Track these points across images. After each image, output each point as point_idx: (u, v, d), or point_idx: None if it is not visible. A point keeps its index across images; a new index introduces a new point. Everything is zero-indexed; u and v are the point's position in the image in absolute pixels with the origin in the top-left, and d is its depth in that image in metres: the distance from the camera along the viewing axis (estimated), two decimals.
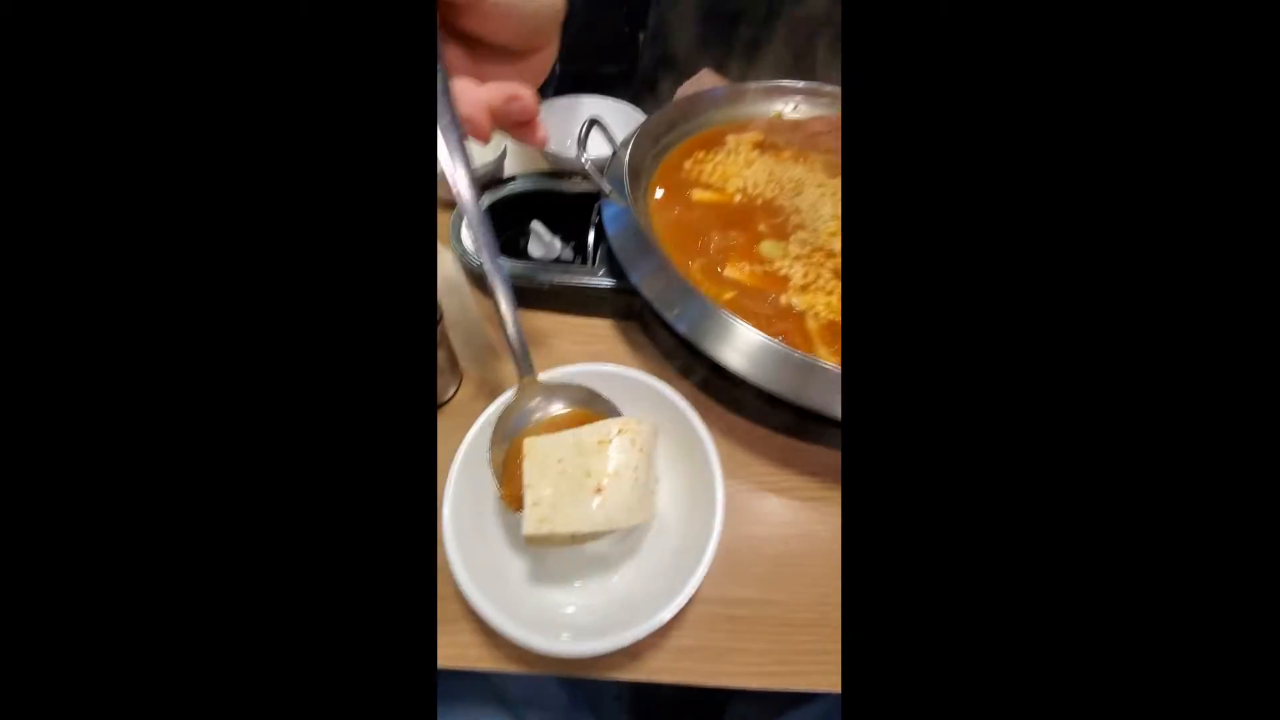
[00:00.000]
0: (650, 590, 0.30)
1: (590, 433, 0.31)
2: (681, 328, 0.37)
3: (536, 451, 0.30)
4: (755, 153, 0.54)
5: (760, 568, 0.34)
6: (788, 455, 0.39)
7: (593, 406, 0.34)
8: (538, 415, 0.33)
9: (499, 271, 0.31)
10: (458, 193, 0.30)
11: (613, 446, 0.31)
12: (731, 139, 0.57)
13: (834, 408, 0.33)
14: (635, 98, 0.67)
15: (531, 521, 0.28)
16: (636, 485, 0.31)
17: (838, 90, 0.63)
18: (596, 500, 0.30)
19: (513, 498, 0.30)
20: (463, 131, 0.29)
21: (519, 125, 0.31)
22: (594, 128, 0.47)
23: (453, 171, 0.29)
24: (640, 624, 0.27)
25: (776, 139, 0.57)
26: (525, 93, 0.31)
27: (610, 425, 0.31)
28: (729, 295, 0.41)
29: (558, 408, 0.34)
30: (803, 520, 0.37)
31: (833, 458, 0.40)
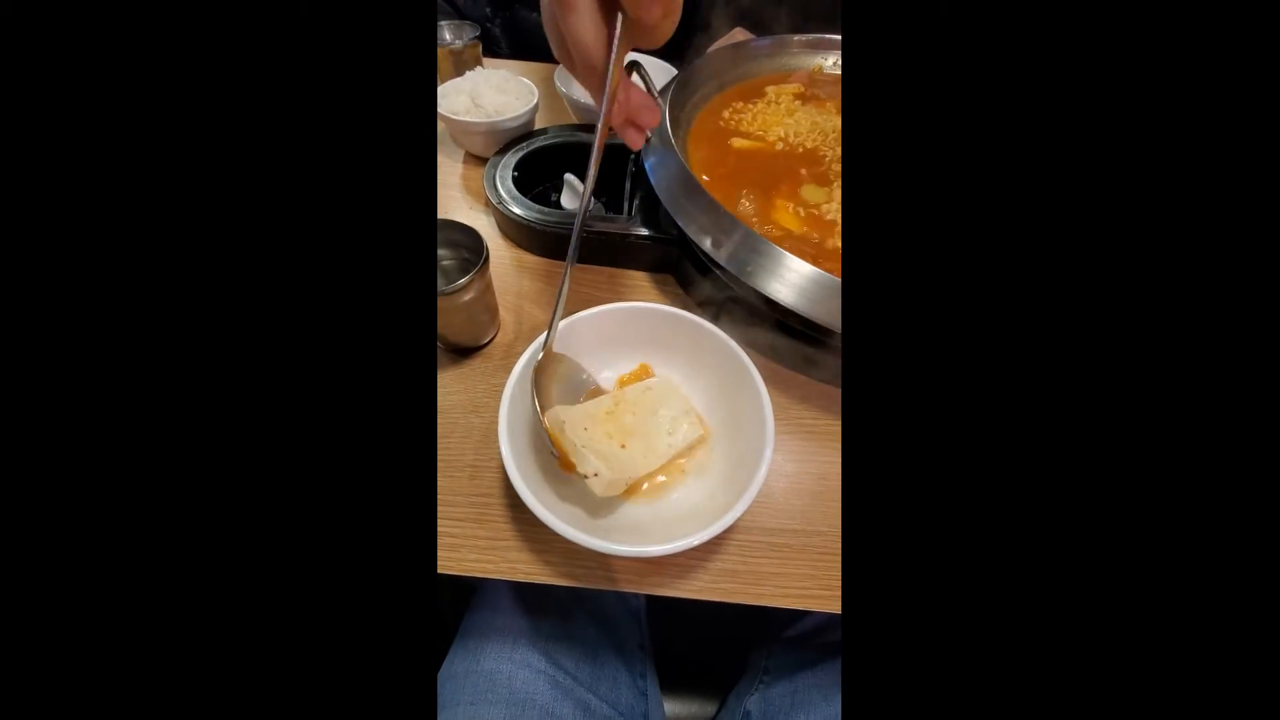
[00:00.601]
0: (699, 513, 0.30)
1: (599, 402, 0.34)
2: (730, 265, 0.37)
3: (565, 429, 0.32)
4: (797, 103, 0.53)
5: (800, 501, 0.35)
6: (824, 400, 0.40)
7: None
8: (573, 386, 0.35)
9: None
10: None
11: (628, 400, 0.34)
12: (772, 90, 0.56)
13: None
14: (666, 58, 0.66)
15: (600, 487, 0.30)
16: (669, 418, 0.34)
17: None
18: (639, 448, 0.32)
19: (566, 465, 0.32)
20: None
21: (633, 125, 0.31)
22: (636, 71, 0.46)
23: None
24: (684, 539, 0.28)
25: (818, 91, 0.56)
26: (658, 111, 0.31)
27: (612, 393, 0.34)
28: (775, 234, 0.41)
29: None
30: (838, 460, 0.37)
31: None
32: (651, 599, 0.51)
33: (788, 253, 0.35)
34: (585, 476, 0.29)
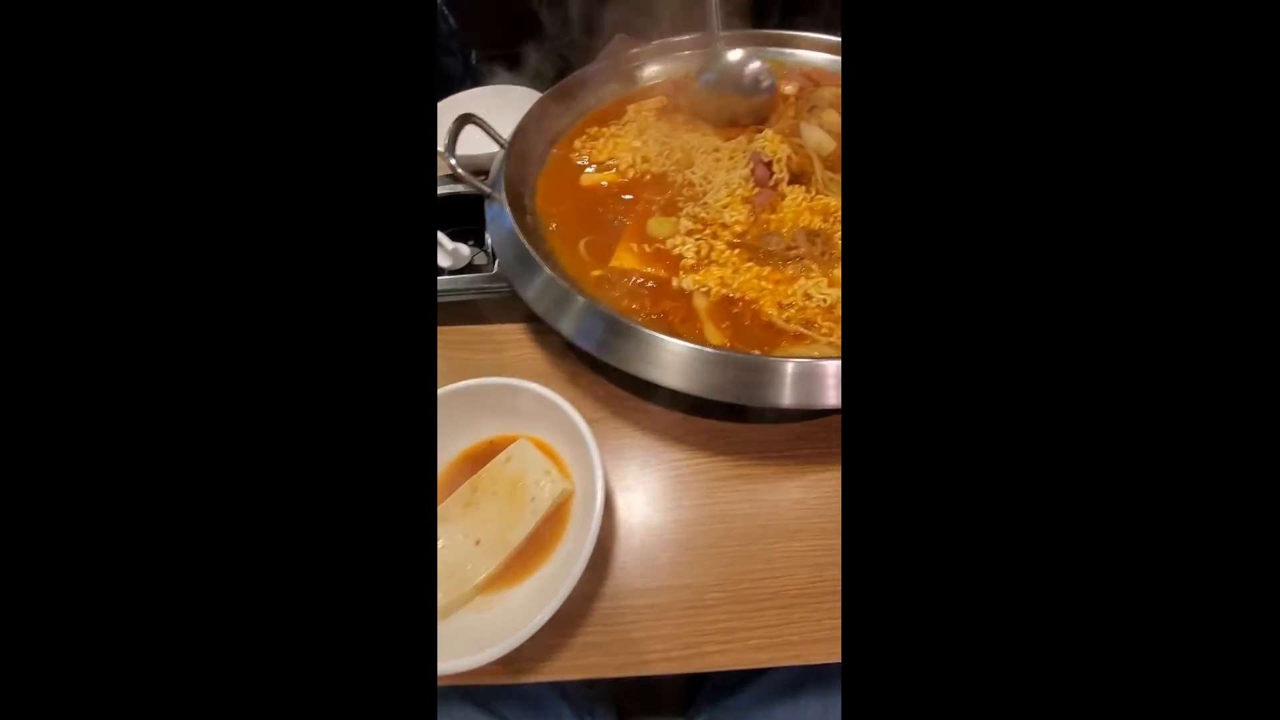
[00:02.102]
0: (548, 594, 0.30)
1: (458, 495, 0.34)
2: (572, 337, 0.35)
3: None
4: (652, 121, 0.51)
5: (671, 553, 0.34)
6: (702, 437, 0.38)
7: None
8: None
9: None
10: None
11: (486, 481, 0.34)
12: (632, 109, 0.53)
13: (723, 392, 0.32)
14: (556, 74, 0.64)
15: (443, 616, 0.30)
16: (532, 483, 0.33)
17: (777, 32, 0.58)
18: (498, 528, 0.32)
19: None
20: None
21: None
22: (468, 125, 0.44)
23: None
24: (519, 632, 0.27)
25: (681, 100, 0.53)
26: None
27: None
28: (620, 281, 0.39)
29: None
30: (716, 500, 0.36)
31: (749, 433, 0.39)
32: None
33: (627, 320, 0.34)
34: None
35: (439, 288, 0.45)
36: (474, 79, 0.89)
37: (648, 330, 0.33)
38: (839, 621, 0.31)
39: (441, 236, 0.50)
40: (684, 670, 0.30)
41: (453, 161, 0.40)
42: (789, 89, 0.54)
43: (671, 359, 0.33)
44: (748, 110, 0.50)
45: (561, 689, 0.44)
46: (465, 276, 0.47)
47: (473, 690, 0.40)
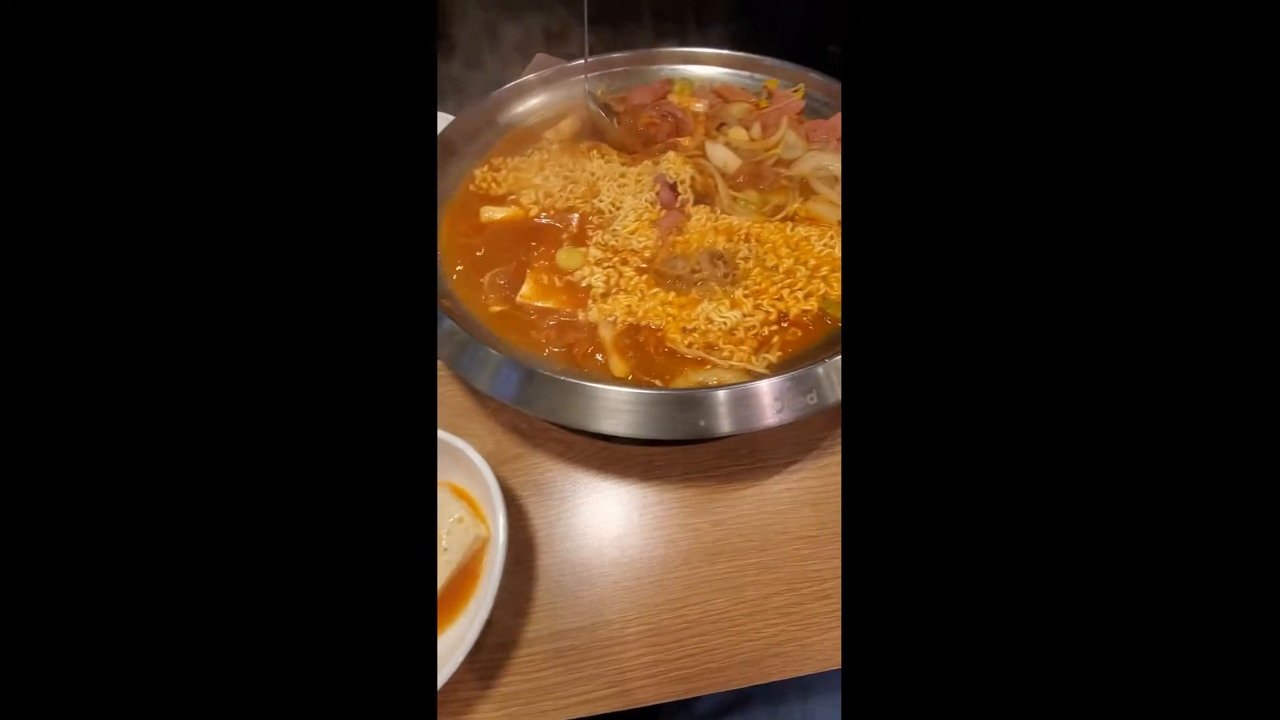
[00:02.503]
0: (455, 654, 0.29)
1: None
2: (489, 390, 0.34)
3: None
4: (555, 153, 0.50)
5: (593, 590, 0.34)
6: (624, 465, 0.38)
7: None
8: None
9: None
10: None
11: None
12: (549, 134, 0.53)
13: (630, 428, 0.32)
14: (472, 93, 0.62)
15: None
16: (444, 532, 0.32)
17: (677, 49, 0.59)
18: None
19: None
20: None
21: None
22: None
23: None
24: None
25: (596, 122, 0.52)
26: None
27: None
28: (525, 316, 0.39)
29: None
30: (638, 529, 0.36)
31: (673, 454, 0.39)
32: None
33: (527, 363, 0.34)
34: None
35: None
36: None
37: (561, 377, 0.33)
38: (756, 643, 0.32)
39: None
40: (606, 711, 0.30)
41: None
42: (699, 107, 0.55)
43: (606, 405, 0.32)
44: (629, 133, 0.51)
45: None
46: None
47: None
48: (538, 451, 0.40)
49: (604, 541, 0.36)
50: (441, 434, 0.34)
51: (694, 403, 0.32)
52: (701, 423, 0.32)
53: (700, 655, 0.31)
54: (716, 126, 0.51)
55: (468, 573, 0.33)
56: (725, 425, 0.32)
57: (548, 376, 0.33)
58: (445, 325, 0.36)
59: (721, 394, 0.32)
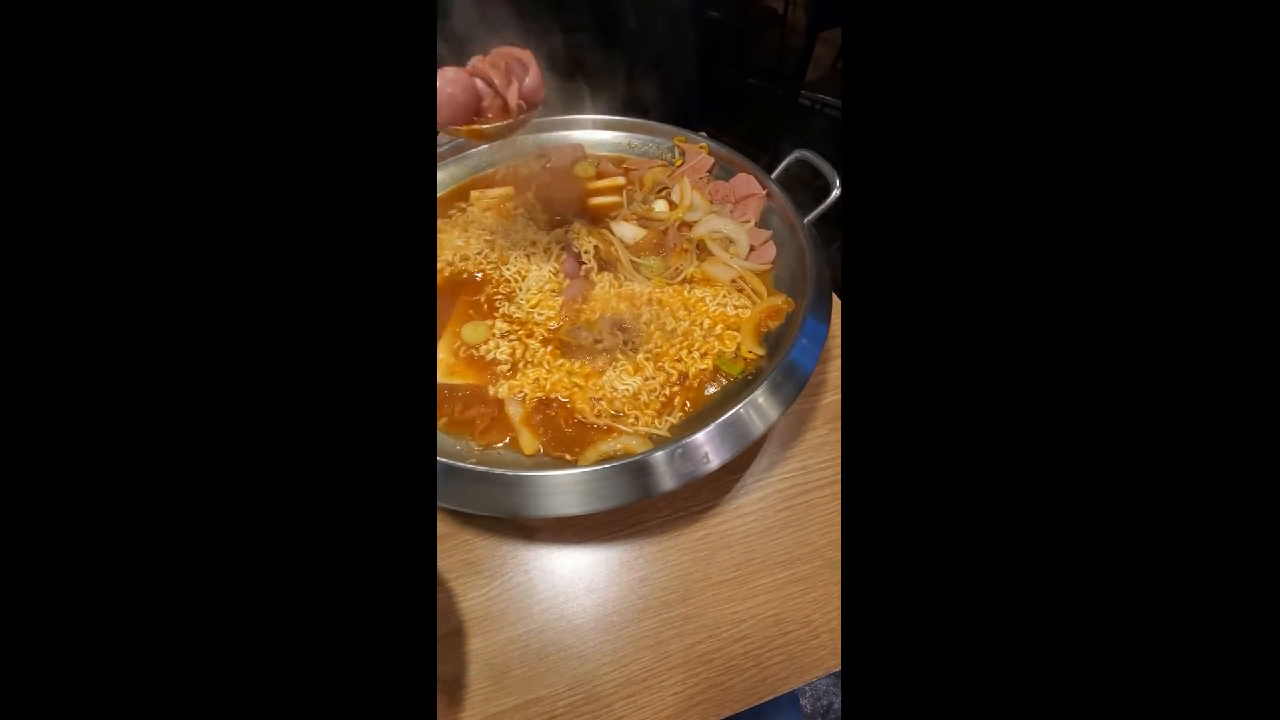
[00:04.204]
0: None
1: None
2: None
3: None
4: (488, 213, 0.51)
5: (523, 667, 0.34)
6: (551, 532, 0.39)
7: None
8: None
9: None
10: None
11: None
12: (475, 194, 0.53)
13: (606, 500, 0.33)
14: None
15: None
16: None
17: (586, 116, 0.60)
18: None
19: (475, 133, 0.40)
20: None
21: None
22: None
23: None
24: None
25: (526, 185, 0.53)
26: None
27: None
28: (441, 392, 0.38)
29: None
30: (565, 597, 0.36)
31: (594, 517, 0.40)
32: None
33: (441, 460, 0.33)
34: None
35: None
36: None
37: (481, 468, 0.32)
38: (681, 694, 0.33)
39: None
40: None
41: None
42: (620, 180, 0.57)
43: (521, 490, 0.32)
44: (565, 199, 0.53)
45: None
46: None
47: None
48: (465, 529, 0.40)
49: (530, 617, 0.36)
50: None
51: (602, 477, 0.33)
52: (610, 495, 0.33)
53: (630, 716, 0.32)
54: (642, 201, 0.53)
55: None
56: (628, 496, 0.33)
57: (461, 469, 0.33)
58: None
59: (622, 465, 0.33)
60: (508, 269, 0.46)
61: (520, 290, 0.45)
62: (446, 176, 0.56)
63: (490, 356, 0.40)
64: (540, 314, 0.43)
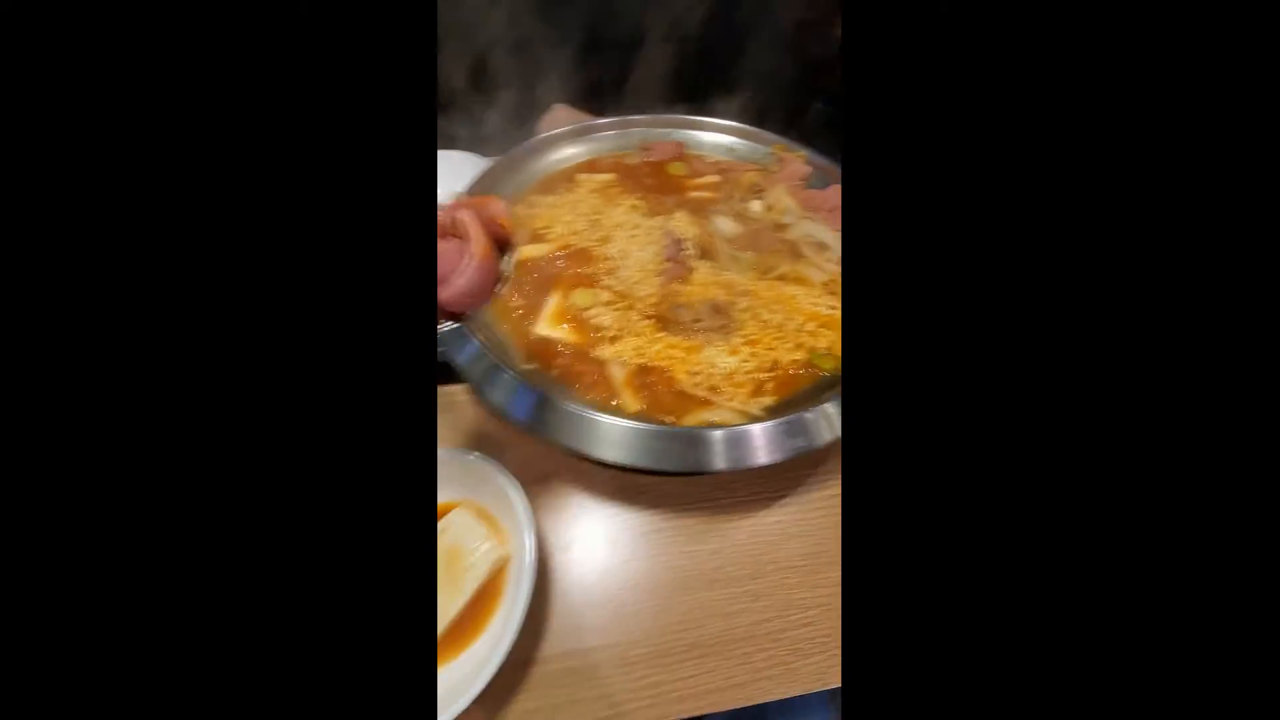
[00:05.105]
0: (486, 662, 0.30)
1: None
2: (505, 410, 0.36)
3: None
4: (593, 195, 0.54)
5: (599, 613, 0.35)
6: (632, 492, 0.40)
7: None
8: None
9: None
10: None
11: None
12: (582, 178, 0.56)
13: (635, 458, 0.34)
14: (484, 145, 0.65)
15: None
16: (469, 551, 0.34)
17: (690, 118, 0.63)
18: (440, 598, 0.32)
19: None
20: None
21: None
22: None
23: None
24: (451, 709, 0.27)
25: (630, 178, 0.56)
26: None
27: None
28: (543, 347, 0.41)
29: None
30: (642, 555, 0.38)
31: (674, 485, 0.41)
32: None
33: (546, 392, 0.36)
34: None
35: None
36: None
37: (574, 408, 0.35)
38: (749, 666, 0.34)
39: None
40: None
41: None
42: (714, 179, 0.59)
43: (605, 434, 0.35)
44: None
45: None
46: None
47: None
48: (559, 476, 0.41)
49: (610, 567, 0.37)
50: (471, 455, 0.36)
51: (693, 440, 0.34)
52: (699, 458, 0.34)
53: (699, 677, 0.33)
54: (726, 198, 0.55)
55: (489, 591, 0.34)
56: (720, 462, 0.34)
57: (561, 406, 0.35)
58: (472, 348, 0.38)
59: (719, 434, 0.34)
60: (612, 247, 0.49)
61: (622, 266, 0.47)
62: (555, 158, 0.60)
63: (594, 321, 0.43)
64: (643, 290, 0.45)
